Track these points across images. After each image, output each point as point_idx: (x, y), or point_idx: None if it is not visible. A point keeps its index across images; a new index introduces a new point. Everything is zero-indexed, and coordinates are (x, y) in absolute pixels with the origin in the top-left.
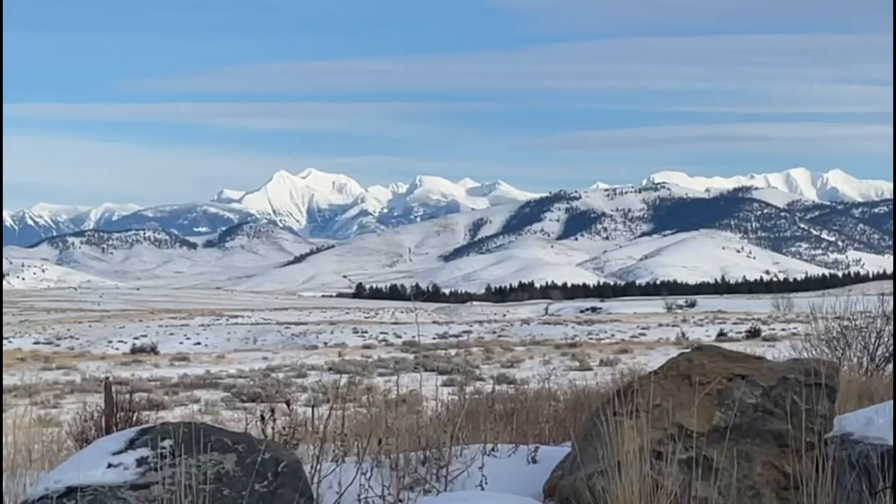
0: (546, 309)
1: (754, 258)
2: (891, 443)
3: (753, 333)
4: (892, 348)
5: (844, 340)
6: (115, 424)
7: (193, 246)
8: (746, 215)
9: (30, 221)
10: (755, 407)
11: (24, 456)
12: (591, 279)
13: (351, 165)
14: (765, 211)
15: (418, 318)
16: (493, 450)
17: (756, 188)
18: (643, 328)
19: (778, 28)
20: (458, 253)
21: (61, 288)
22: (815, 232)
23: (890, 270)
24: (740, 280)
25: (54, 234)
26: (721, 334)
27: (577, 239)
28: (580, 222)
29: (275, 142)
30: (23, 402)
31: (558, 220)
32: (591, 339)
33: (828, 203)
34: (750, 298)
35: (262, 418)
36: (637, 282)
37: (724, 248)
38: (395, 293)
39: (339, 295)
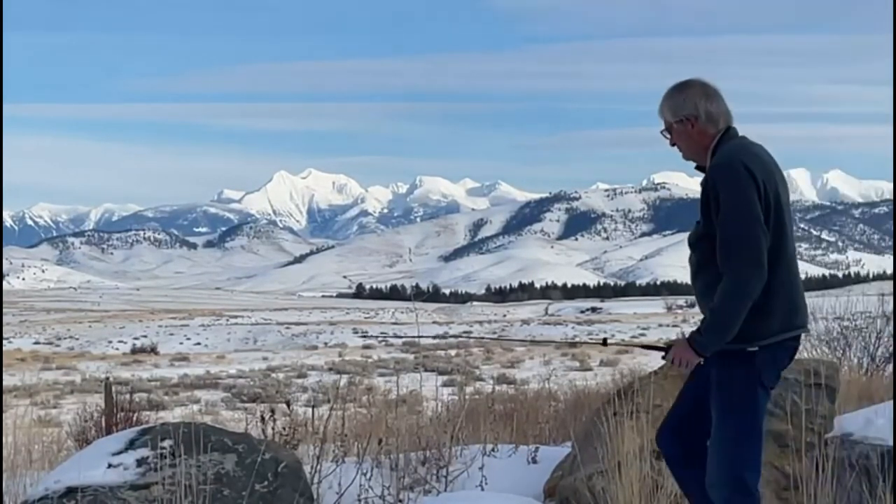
0: (546, 309)
1: None
2: (891, 443)
3: None
4: (892, 348)
5: (844, 340)
6: (115, 425)
7: (193, 246)
8: None
9: (30, 221)
10: None
11: (24, 456)
12: (591, 279)
13: (351, 165)
14: None
15: (418, 318)
16: (493, 450)
17: None
18: (643, 328)
19: (778, 28)
20: (458, 253)
21: (61, 288)
22: (815, 232)
23: (890, 271)
24: None
25: (54, 234)
26: None
27: (577, 239)
28: (580, 222)
29: (275, 142)
30: (23, 402)
31: (558, 221)
32: (591, 339)
33: (828, 203)
34: None
35: (263, 419)
36: (637, 282)
37: None
38: (395, 293)
39: (340, 295)
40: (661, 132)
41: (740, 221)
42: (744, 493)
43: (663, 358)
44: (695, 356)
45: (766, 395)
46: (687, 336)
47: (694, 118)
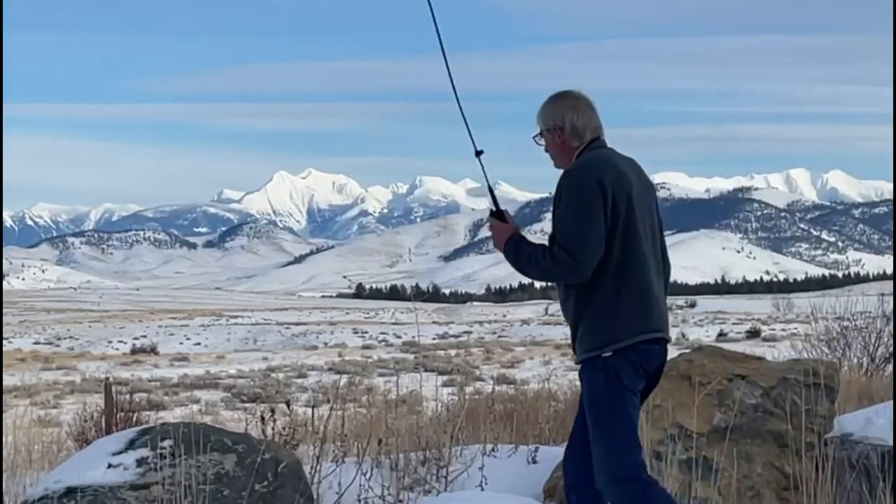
0: (546, 309)
1: (754, 258)
2: (891, 443)
3: (753, 334)
4: (892, 348)
5: (844, 340)
6: (115, 425)
7: (193, 246)
8: (746, 216)
9: (30, 221)
10: (755, 407)
11: (24, 456)
12: None
13: (351, 165)
14: (765, 211)
15: (418, 318)
16: (493, 450)
17: (756, 188)
18: None
19: (778, 28)
20: (458, 253)
21: (61, 288)
22: (815, 232)
23: (890, 271)
24: (740, 280)
25: (54, 234)
26: (721, 335)
27: None
28: None
29: (275, 142)
30: (23, 402)
31: None
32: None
33: (828, 203)
34: (750, 299)
35: (263, 419)
36: None
37: (724, 248)
38: (395, 293)
39: (339, 295)
40: (534, 137)
41: (575, 225)
42: (633, 483)
43: (491, 215)
44: (500, 244)
45: (631, 395)
46: (515, 230)
47: (560, 129)
